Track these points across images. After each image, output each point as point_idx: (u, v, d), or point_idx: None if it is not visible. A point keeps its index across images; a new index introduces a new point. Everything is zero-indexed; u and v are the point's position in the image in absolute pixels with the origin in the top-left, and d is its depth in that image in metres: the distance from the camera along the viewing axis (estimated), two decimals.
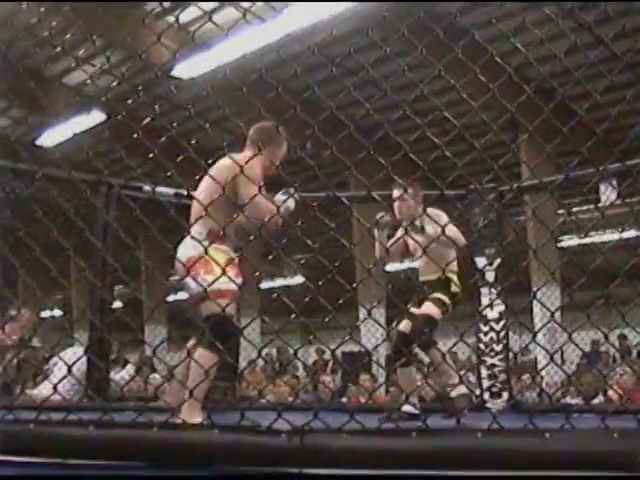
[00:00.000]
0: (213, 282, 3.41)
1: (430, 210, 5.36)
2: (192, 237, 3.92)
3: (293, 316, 3.74)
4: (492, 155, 3.19)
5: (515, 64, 3.17)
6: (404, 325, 5.82)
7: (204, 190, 4.30)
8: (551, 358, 2.60)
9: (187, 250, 4.19)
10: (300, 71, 3.14)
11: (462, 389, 5.59)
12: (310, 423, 2.28)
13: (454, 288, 5.81)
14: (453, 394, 5.60)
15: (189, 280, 4.13)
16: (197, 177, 4.30)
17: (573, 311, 4.36)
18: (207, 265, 4.10)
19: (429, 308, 5.70)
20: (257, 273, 4.90)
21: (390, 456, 2.08)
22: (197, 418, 3.96)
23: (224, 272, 3.37)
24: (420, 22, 3.05)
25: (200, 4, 11.37)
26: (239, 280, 4.30)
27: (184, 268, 4.03)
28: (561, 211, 15.39)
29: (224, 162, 4.24)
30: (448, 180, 3.09)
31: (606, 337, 2.65)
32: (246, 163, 3.41)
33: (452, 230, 5.49)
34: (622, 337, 16.33)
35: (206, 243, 3.95)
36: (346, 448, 2.12)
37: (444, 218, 5.42)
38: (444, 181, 3.08)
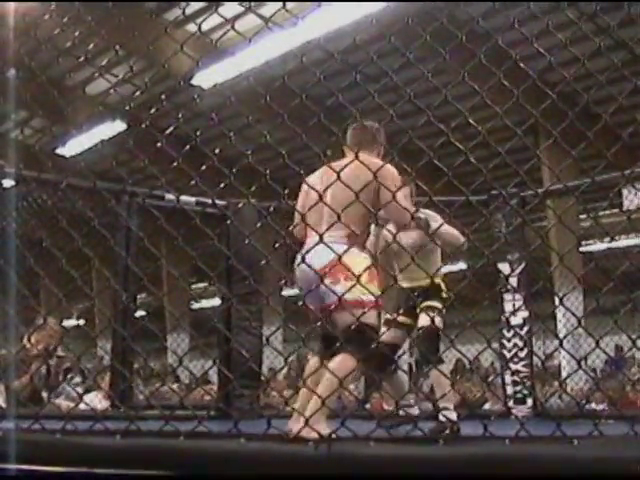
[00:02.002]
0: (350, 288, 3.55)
1: (425, 211, 5.22)
2: (334, 241, 3.72)
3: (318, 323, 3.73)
4: (512, 160, 3.18)
5: (535, 69, 3.16)
6: (390, 335, 5.46)
7: (343, 192, 3.64)
8: (579, 364, 2.59)
9: (328, 253, 3.72)
10: (319, 78, 3.14)
11: (453, 415, 5.28)
12: (337, 431, 2.27)
13: (445, 294, 5.53)
14: (442, 418, 5.27)
15: (335, 286, 3.87)
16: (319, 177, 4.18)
17: (596, 316, 4.33)
18: (348, 271, 3.85)
19: (431, 320, 5.36)
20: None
21: (418, 464, 2.07)
22: (326, 429, 3.48)
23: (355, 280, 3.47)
24: (439, 29, 3.03)
25: (221, 11, 11.40)
26: (376, 290, 4.10)
27: (326, 272, 3.86)
28: (583, 216, 15.33)
29: (360, 165, 3.64)
30: (473, 187, 3.07)
31: (634, 342, 2.62)
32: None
33: (453, 230, 5.36)
34: None
35: (345, 248, 3.77)
36: (373, 456, 2.11)
37: (439, 219, 5.22)
38: (466, 187, 3.07)
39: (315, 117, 2.73)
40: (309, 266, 3.71)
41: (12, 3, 4.18)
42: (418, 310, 5.55)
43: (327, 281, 3.83)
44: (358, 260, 4.05)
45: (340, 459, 2.10)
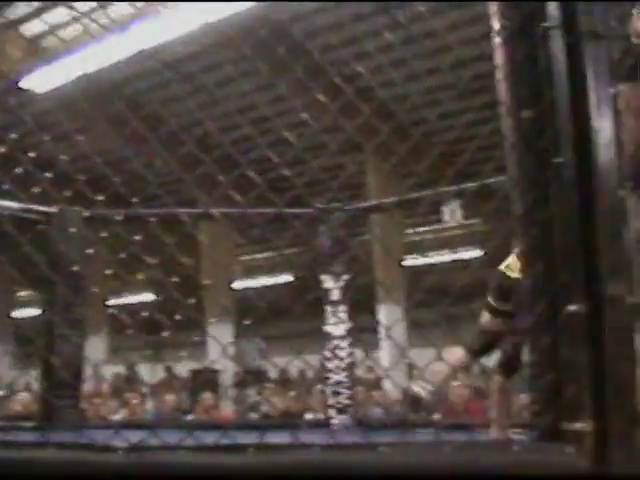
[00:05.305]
0: None
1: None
2: None
3: (168, 333, 3.68)
4: (336, 175, 3.27)
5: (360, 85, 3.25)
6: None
7: None
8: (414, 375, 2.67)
9: None
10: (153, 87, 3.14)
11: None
12: (147, 440, 2.26)
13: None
14: None
15: None
16: None
17: (417, 329, 4.48)
18: None
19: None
20: None
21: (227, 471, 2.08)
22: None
23: None
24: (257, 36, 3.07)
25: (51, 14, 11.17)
26: None
27: None
28: (410, 230, 15.77)
29: None
30: (288, 197, 3.12)
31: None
32: None
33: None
34: None
35: None
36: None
37: None
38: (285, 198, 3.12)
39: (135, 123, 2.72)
40: None
41: None
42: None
43: None
44: None
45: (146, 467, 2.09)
